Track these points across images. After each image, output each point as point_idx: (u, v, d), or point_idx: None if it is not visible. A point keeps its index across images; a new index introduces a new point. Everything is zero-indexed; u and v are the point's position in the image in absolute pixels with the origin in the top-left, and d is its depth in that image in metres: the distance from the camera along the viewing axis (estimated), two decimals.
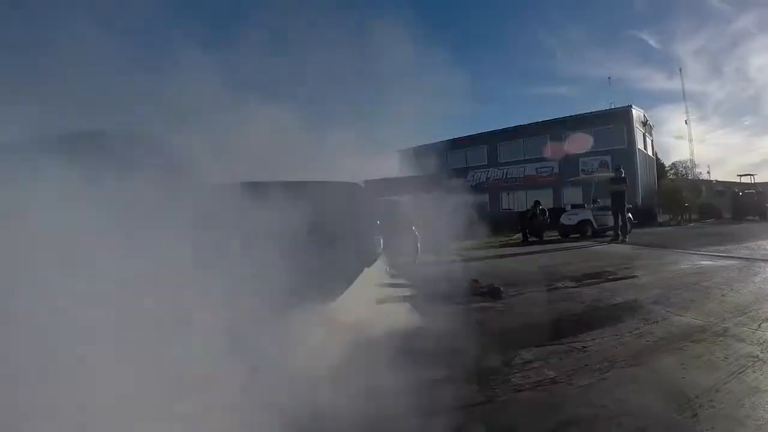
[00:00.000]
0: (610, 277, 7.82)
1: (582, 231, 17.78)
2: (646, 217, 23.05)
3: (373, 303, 5.80)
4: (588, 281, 7.56)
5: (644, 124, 34.16)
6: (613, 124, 31.42)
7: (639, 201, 27.06)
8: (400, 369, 3.91)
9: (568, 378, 3.51)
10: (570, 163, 31.79)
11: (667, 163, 45.95)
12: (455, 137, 39.70)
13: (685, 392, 3.11)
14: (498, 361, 4.00)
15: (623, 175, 15.48)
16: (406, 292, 6.81)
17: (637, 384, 3.34)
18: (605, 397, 3.15)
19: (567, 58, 73.44)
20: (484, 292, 6.71)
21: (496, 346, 4.37)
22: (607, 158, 29.97)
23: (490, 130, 37.96)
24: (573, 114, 33.39)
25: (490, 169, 37.19)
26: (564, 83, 77.71)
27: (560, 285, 7.37)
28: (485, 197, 36.02)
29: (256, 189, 3.67)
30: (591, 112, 32.73)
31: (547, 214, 18.72)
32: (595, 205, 18.68)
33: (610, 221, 15.83)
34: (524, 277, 8.44)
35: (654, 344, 4.23)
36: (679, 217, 25.83)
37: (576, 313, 5.59)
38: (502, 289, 6.74)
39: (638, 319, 5.05)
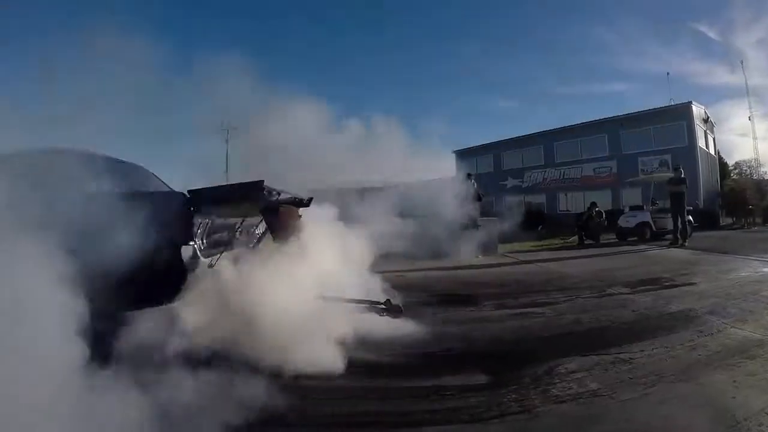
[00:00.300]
0: (666, 284, 7.55)
1: (640, 234, 17.14)
2: (707, 220, 22.17)
3: None
4: (643, 288, 7.31)
5: (705, 121, 32.60)
6: (672, 121, 30.14)
7: (700, 203, 26.03)
8: (433, 373, 3.92)
9: (611, 391, 3.38)
10: (628, 162, 30.83)
11: (730, 162, 43.73)
12: (511, 137, 39.38)
13: (734, 413, 2.95)
14: (540, 369, 3.90)
15: (683, 176, 14.90)
16: None
17: (684, 401, 3.18)
18: (648, 413, 3.02)
19: (623, 54, 71.18)
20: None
21: (539, 354, 4.29)
22: (667, 157, 28.78)
23: (546, 129, 37.18)
24: (631, 111, 32.31)
25: (547, 170, 36.47)
26: (621, 80, 75.42)
27: (613, 291, 7.16)
28: (542, 198, 35.48)
29: None
30: (650, 110, 31.43)
31: (604, 216, 18.15)
32: (654, 207, 18.01)
33: (670, 224, 15.23)
34: (577, 281, 8.27)
35: (706, 358, 4.03)
36: (743, 220, 24.68)
37: (627, 321, 5.42)
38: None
39: (692, 331, 4.83)
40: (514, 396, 3.38)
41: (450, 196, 13.37)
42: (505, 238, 14.52)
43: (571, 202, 33.44)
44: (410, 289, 8.14)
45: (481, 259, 12.15)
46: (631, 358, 4.06)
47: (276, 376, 3.81)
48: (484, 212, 14.62)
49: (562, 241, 17.04)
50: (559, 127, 36.15)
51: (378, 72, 75.83)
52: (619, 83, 76.13)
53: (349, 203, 11.17)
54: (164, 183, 6.36)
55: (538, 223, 25.82)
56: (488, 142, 41.65)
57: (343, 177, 15.72)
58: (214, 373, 3.68)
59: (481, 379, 3.75)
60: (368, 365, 4.22)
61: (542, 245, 15.67)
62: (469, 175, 14.47)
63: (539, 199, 35.61)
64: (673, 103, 31.58)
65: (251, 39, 66.30)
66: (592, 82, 77.72)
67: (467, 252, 12.20)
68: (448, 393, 3.50)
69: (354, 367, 4.10)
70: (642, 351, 4.25)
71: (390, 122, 13.83)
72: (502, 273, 9.87)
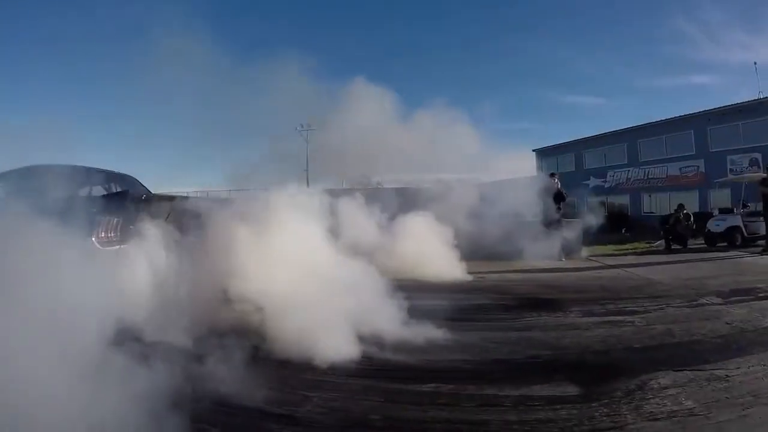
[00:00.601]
0: (760, 295, 7.24)
1: (730, 239, 16.17)
2: None
3: None
4: (736, 298, 7.02)
5: None
6: (763, 116, 27.27)
7: None
8: (520, 381, 3.94)
9: (706, 410, 3.28)
10: (716, 161, 28.70)
11: None
12: (592, 134, 38.00)
13: None
14: (631, 382, 3.83)
15: None
16: None
17: None
18: None
19: (703, 44, 66.97)
20: None
21: (630, 366, 4.21)
22: (757, 156, 26.27)
23: (629, 126, 35.18)
24: (717, 106, 30.20)
25: (630, 169, 34.61)
26: (702, 72, 70.94)
27: (705, 301, 6.93)
28: (625, 199, 34.14)
29: None
30: (737, 104, 28.90)
31: (692, 219, 17.32)
32: (745, 210, 17.03)
33: (762, 229, 14.33)
34: (666, 289, 8.04)
35: None
36: None
37: (721, 334, 5.23)
38: None
39: None
40: (605, 410, 3.32)
41: (532, 195, 13.25)
42: (587, 241, 14.21)
43: (656, 204, 31.80)
44: (491, 291, 8.18)
45: (565, 262, 11.98)
46: (727, 375, 3.94)
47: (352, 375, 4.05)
48: (567, 213, 14.34)
49: (648, 245, 16.40)
50: (643, 123, 34.14)
51: (443, 69, 74.70)
52: (700, 75, 71.87)
53: (430, 202, 11.30)
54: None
55: (622, 225, 25.02)
56: (569, 140, 40.41)
57: (420, 176, 15.87)
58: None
59: (571, 390, 3.71)
60: (458, 370, 4.29)
61: (626, 249, 15.21)
62: (552, 174, 14.25)
63: (622, 199, 34.19)
64: (762, 96, 29.34)
65: (307, 37, 66.71)
66: (672, 75, 73.82)
67: (550, 254, 12.03)
68: (537, 404, 3.48)
69: (443, 372, 4.20)
70: (738, 368, 4.11)
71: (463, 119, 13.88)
72: (586, 277, 9.74)
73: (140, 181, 9.12)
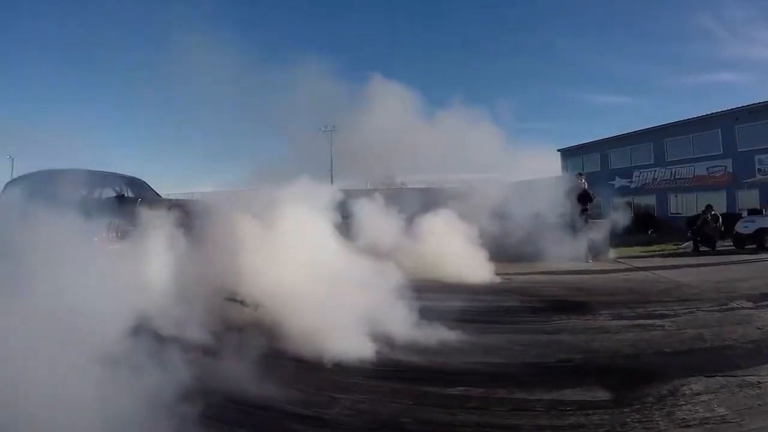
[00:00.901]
0: None
1: (759, 241, 15.87)
2: None
3: None
4: (767, 302, 6.90)
5: None
6: None
7: None
8: (552, 385, 3.93)
9: (739, 417, 3.25)
10: (744, 161, 27.89)
11: None
12: (618, 134, 37.33)
13: None
14: (663, 388, 3.79)
15: None
16: None
17: None
18: None
19: (729, 41, 65.06)
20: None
21: (661, 371, 4.18)
22: None
23: (655, 125, 34.29)
24: (745, 104, 29.34)
25: (657, 169, 33.86)
26: (729, 69, 69.08)
27: (736, 305, 6.84)
28: (651, 199, 33.55)
29: None
30: (765, 102, 28.37)
31: (720, 220, 16.92)
32: None
33: None
34: (696, 292, 7.93)
35: None
36: None
37: (752, 339, 5.17)
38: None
39: None
40: (637, 416, 3.30)
41: (558, 195, 13.14)
42: (613, 242, 14.04)
43: (683, 204, 31.00)
44: (518, 293, 8.15)
45: (591, 264, 11.88)
46: (759, 382, 3.90)
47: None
48: (593, 214, 14.19)
49: (675, 247, 16.13)
50: (669, 122, 33.32)
51: (460, 67, 73.97)
52: (726, 73, 70.15)
53: (454, 202, 11.28)
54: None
55: (648, 226, 24.66)
56: (594, 139, 39.80)
57: (444, 176, 15.85)
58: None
59: (602, 395, 3.68)
60: (487, 373, 4.28)
61: (653, 250, 15.00)
62: (579, 174, 14.11)
63: (649, 200, 33.49)
64: None
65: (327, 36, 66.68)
66: (697, 73, 72.19)
67: (576, 256, 11.94)
68: (568, 409, 3.44)
69: (472, 375, 4.22)
70: None
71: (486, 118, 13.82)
72: (614, 279, 9.64)
73: (149, 184, 9.80)
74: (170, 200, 8.71)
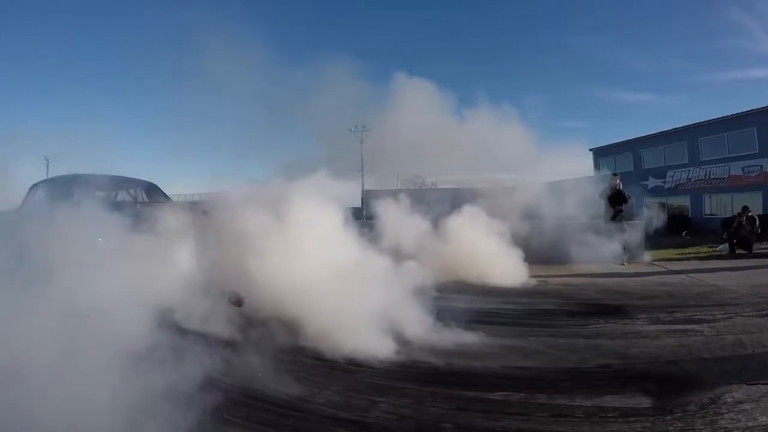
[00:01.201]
0: None
1: None
2: None
3: None
4: None
5: None
6: None
7: None
8: (592, 391, 3.91)
9: None
10: None
11: None
12: (651, 132, 36.47)
13: None
14: (704, 396, 3.75)
15: None
16: None
17: None
18: None
19: (763, 37, 63.15)
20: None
21: (702, 378, 4.13)
22: None
23: (688, 124, 33.24)
24: None
25: (691, 169, 32.78)
26: (762, 65, 66.91)
27: None
28: (686, 200, 32.72)
29: None
30: None
31: (757, 222, 16.43)
32: None
33: None
34: (734, 297, 7.75)
35: None
36: None
37: None
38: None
39: None
40: (680, 424, 3.26)
41: (592, 196, 13.01)
42: (648, 244, 13.80)
43: (717, 205, 30.18)
44: (554, 296, 8.11)
45: (626, 267, 11.71)
46: None
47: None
48: (627, 215, 13.98)
49: (711, 250, 15.75)
50: (703, 120, 32.22)
51: (489, 64, 73.21)
52: (759, 69, 68.00)
53: (485, 202, 11.25)
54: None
55: (682, 228, 24.17)
56: (627, 138, 38.95)
57: (475, 176, 15.78)
58: None
59: (644, 402, 3.65)
60: (526, 378, 4.29)
61: (688, 253, 14.70)
62: (615, 175, 13.91)
63: (683, 201, 32.62)
64: None
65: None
66: (728, 70, 70.29)
67: (612, 258, 11.79)
68: (610, 416, 3.42)
69: (512, 379, 4.24)
70: None
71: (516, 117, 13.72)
72: (651, 283, 9.49)
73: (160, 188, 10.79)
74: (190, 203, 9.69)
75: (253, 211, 5.92)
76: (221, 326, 5.13)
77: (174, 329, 4.40)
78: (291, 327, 5.15)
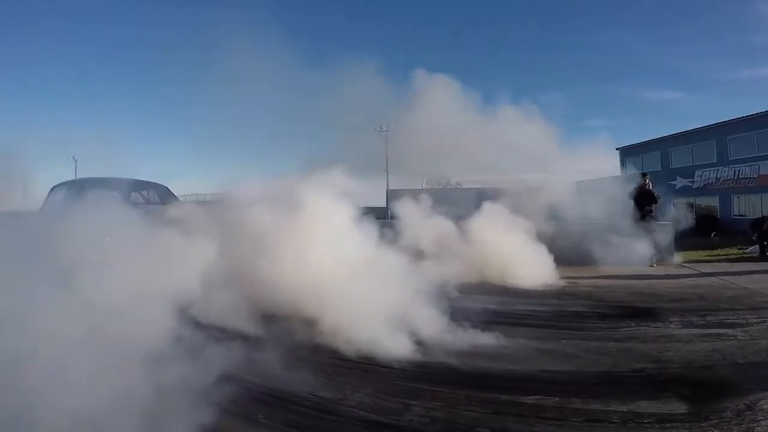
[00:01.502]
0: None
1: None
2: None
3: None
4: None
5: None
6: None
7: None
8: (627, 396, 3.88)
9: None
10: None
11: None
12: (679, 131, 35.68)
13: None
14: (740, 402, 3.71)
15: None
16: None
17: None
18: None
19: None
20: None
21: (737, 383, 4.09)
22: None
23: (717, 122, 32.18)
24: None
25: (720, 168, 31.82)
26: None
27: None
28: (714, 201, 31.93)
29: None
30: None
31: None
32: None
33: None
34: (765, 300, 7.58)
35: None
36: None
37: None
38: None
39: None
40: (714, 431, 3.27)
41: (621, 196, 12.83)
42: (678, 246, 13.57)
43: (746, 206, 29.34)
44: (584, 297, 8.07)
45: (656, 268, 11.55)
46: None
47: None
48: (656, 216, 13.76)
49: (740, 251, 15.38)
50: (731, 119, 31.16)
51: (512, 64, 72.44)
52: None
53: (513, 202, 11.21)
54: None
55: (711, 228, 23.68)
56: (654, 137, 38.19)
57: (500, 176, 15.70)
58: None
59: (679, 408, 3.62)
60: (560, 382, 4.27)
61: (718, 255, 14.43)
62: (644, 175, 13.71)
63: (711, 201, 31.74)
64: None
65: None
66: (758, 67, 68.49)
67: (641, 259, 11.63)
68: (646, 422, 3.40)
69: (545, 383, 4.22)
70: None
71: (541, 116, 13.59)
72: (681, 285, 9.33)
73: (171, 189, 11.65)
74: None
75: (263, 208, 6.08)
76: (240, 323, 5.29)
77: (194, 325, 4.55)
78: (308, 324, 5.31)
